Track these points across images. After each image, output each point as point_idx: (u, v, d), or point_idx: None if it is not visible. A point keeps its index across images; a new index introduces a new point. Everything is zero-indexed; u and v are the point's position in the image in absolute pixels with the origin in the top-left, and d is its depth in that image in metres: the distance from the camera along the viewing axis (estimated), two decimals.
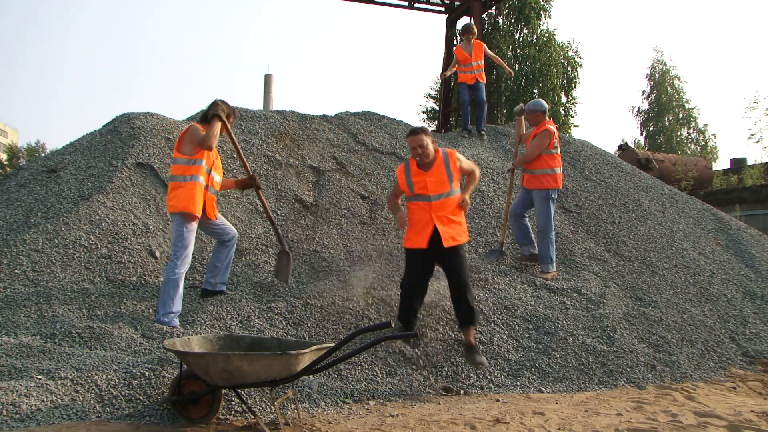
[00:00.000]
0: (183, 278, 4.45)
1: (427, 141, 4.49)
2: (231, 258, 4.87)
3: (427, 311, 4.94)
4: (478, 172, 4.80)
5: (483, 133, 9.02)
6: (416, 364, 4.44)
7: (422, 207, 4.47)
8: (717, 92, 78.36)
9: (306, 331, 4.52)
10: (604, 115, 73.65)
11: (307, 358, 3.38)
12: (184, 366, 3.39)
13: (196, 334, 4.25)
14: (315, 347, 3.43)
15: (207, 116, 4.64)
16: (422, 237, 4.42)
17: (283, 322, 4.55)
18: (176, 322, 4.38)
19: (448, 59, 18.82)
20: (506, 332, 5.00)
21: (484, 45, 8.96)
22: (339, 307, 4.86)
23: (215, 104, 4.68)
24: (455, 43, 18.93)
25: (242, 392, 3.57)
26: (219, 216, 4.81)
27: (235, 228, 5.67)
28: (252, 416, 3.50)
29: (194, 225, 4.53)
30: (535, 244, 6.14)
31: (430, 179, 4.48)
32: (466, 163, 4.71)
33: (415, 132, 4.51)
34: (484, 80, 9.03)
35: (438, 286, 5.06)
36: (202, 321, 4.44)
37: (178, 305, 4.40)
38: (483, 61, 8.99)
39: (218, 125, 4.58)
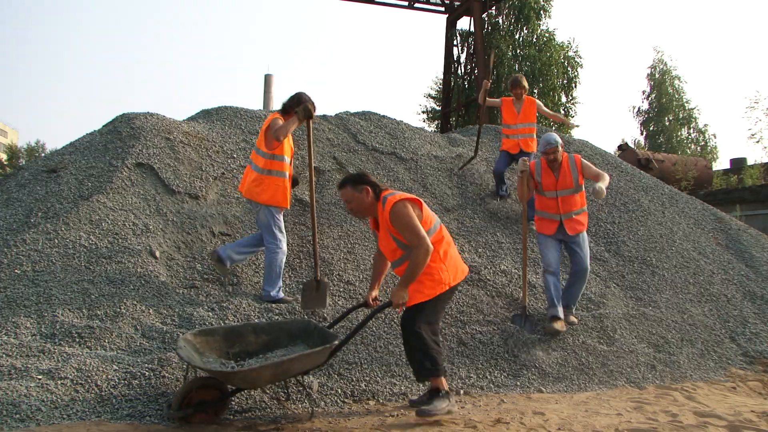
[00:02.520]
0: (284, 258, 4.83)
1: (354, 194, 3.52)
2: (255, 249, 4.98)
3: None
4: (420, 250, 3.36)
5: (500, 197, 7.18)
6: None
7: None
8: (717, 92, 78.51)
9: None
10: (604, 115, 73.77)
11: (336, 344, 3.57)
12: (190, 374, 3.35)
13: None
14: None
15: (286, 107, 4.85)
16: None
17: None
18: (282, 294, 4.83)
19: (449, 60, 18.83)
20: (506, 332, 5.00)
21: (538, 102, 7.18)
22: (340, 307, 4.86)
23: (301, 100, 4.79)
24: (455, 43, 18.93)
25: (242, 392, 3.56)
26: None
27: (236, 228, 5.64)
28: (252, 416, 3.50)
29: (282, 213, 4.87)
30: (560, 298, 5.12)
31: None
32: (403, 226, 3.37)
33: (341, 184, 3.63)
34: (531, 149, 7.01)
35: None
36: (202, 321, 4.44)
37: (280, 280, 4.83)
38: (534, 125, 7.14)
39: (295, 124, 4.73)
